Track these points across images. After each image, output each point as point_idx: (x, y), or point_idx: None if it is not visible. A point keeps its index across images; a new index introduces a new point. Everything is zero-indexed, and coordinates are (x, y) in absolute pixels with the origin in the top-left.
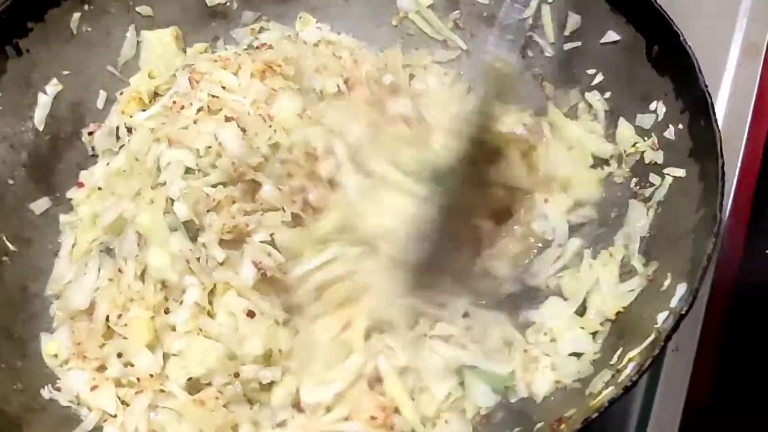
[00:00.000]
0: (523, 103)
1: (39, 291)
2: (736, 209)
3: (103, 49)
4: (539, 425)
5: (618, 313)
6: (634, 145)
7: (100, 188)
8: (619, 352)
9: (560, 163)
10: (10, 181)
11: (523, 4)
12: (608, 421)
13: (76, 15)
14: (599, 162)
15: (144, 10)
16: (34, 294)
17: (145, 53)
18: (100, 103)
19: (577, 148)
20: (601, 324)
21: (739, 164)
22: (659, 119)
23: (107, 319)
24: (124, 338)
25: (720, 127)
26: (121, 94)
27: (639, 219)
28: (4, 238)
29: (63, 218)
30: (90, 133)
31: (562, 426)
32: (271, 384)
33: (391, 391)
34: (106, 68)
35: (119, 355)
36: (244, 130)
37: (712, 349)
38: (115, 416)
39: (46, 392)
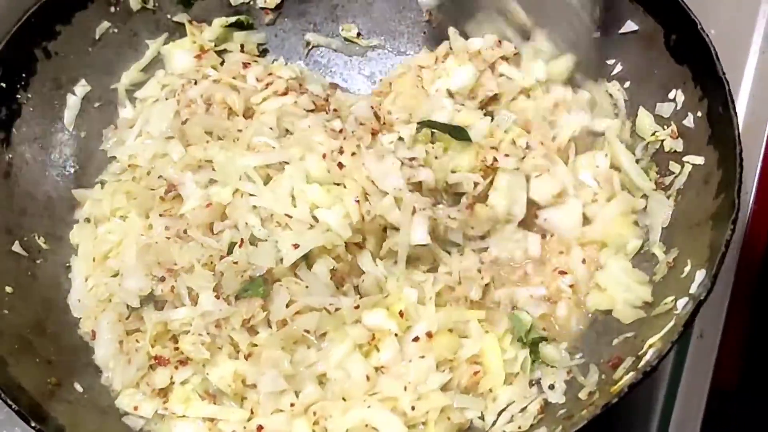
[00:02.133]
0: None
1: (71, 287)
2: (760, 195)
3: (131, 50)
4: (561, 411)
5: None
6: (653, 134)
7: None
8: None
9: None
10: (42, 181)
11: None
12: (633, 409)
13: (103, 18)
14: None
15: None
16: (67, 290)
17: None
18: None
19: None
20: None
21: (763, 150)
22: (678, 108)
23: None
24: None
25: (743, 114)
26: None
27: (660, 208)
28: (37, 236)
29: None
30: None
31: (584, 411)
32: None
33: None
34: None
35: None
36: None
37: (737, 336)
38: None
39: (79, 386)
